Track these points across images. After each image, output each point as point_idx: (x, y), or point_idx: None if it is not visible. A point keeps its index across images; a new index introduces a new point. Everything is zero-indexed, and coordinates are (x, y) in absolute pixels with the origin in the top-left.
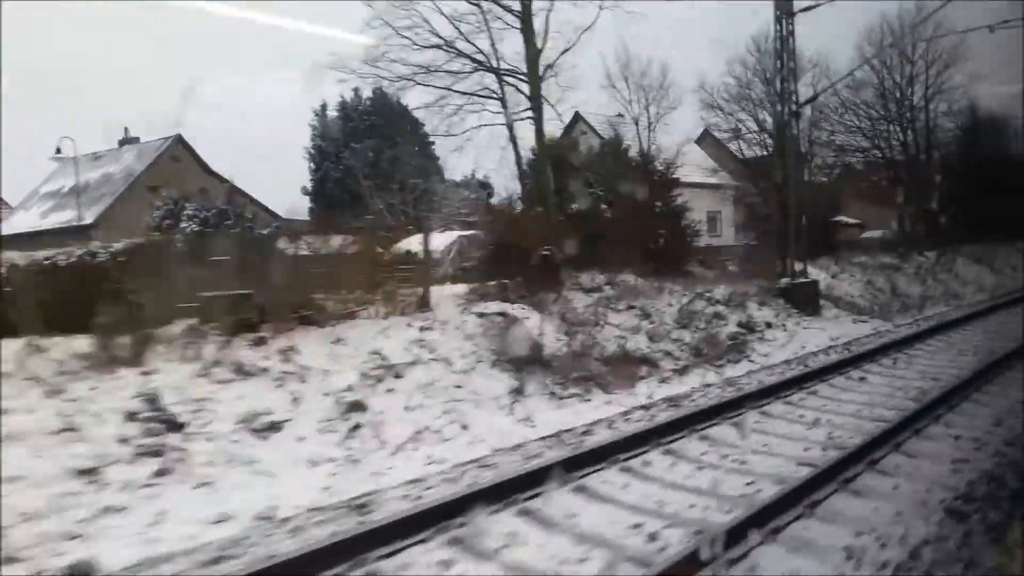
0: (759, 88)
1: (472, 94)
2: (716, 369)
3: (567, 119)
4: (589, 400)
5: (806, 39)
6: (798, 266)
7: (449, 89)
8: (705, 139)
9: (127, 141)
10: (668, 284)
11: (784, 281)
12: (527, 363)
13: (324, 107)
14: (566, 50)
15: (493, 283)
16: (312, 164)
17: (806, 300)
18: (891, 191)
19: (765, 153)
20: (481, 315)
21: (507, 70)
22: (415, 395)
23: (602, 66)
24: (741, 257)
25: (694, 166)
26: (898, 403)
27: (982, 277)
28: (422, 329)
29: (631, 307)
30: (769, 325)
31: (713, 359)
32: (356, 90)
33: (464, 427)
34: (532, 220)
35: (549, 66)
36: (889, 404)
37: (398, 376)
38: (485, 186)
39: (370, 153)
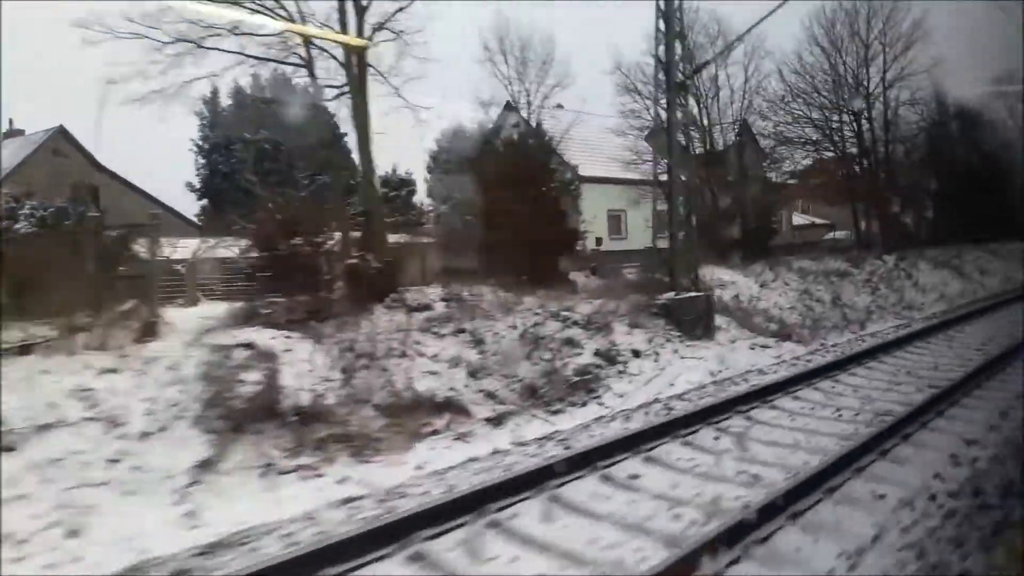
0: (686, 68)
1: (273, 60)
2: (550, 415)
3: (416, 97)
4: (320, 475)
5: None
6: (723, 273)
7: (243, 55)
8: (656, 134)
9: (12, 133)
10: (532, 299)
11: (666, 296)
12: (253, 419)
13: (215, 93)
14: (402, 8)
15: (262, 302)
16: (201, 157)
17: (696, 319)
18: (846, 188)
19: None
20: (217, 348)
21: (321, 35)
22: (23, 479)
23: (478, 37)
24: (643, 264)
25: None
26: (642, 548)
27: (945, 283)
28: (103, 371)
29: (461, 331)
30: (637, 354)
31: (553, 400)
32: (255, 75)
33: (74, 532)
34: (320, 221)
35: (380, 27)
36: (611, 556)
37: (8, 449)
38: (407, 182)
39: (265, 145)
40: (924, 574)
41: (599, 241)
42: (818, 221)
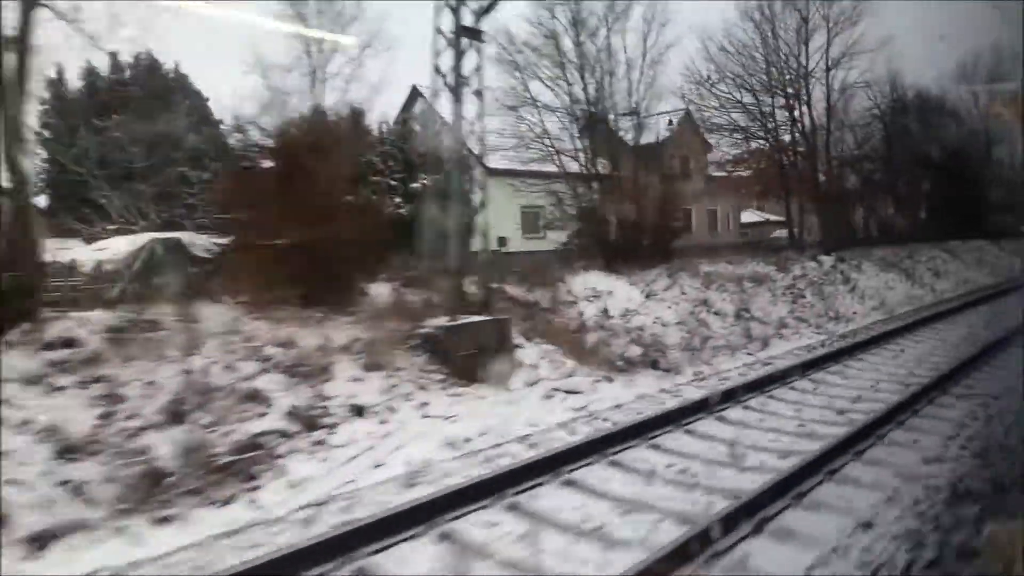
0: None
1: None
2: (151, 527)
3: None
4: None
5: None
6: (601, 281)
7: None
8: (595, 122)
9: None
10: (263, 323)
11: (434, 323)
12: None
13: (61, 74)
14: None
15: None
16: (40, 147)
17: (475, 355)
18: (778, 181)
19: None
20: None
21: None
22: None
23: None
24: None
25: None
26: None
27: (890, 288)
28: None
29: (97, 380)
30: (359, 411)
31: (178, 497)
32: (113, 55)
33: None
34: None
35: None
36: None
37: None
38: None
39: (117, 133)
40: None
41: (503, 241)
42: (772, 218)
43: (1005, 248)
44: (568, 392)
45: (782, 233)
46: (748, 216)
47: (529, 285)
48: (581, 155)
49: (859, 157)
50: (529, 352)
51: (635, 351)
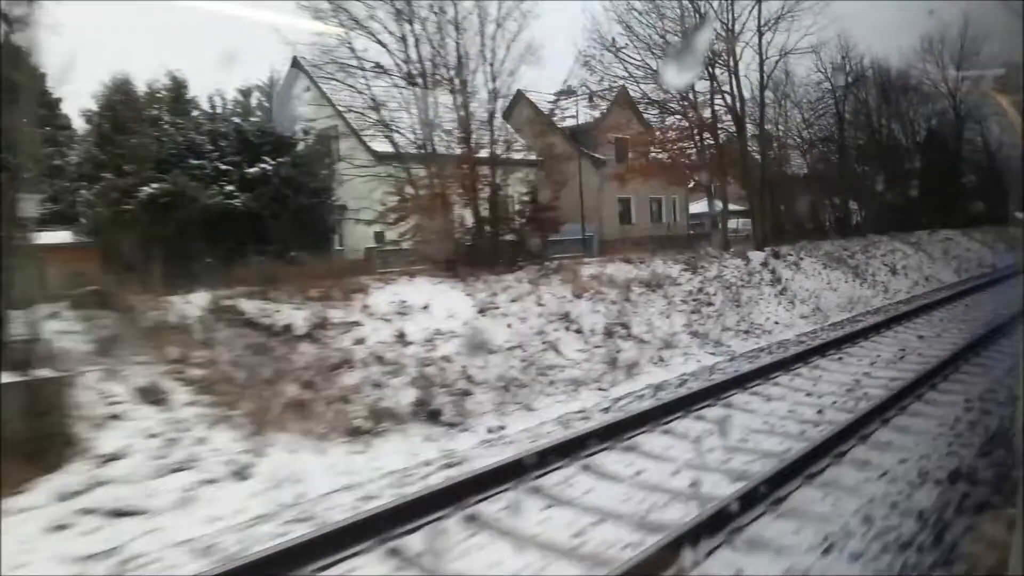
0: None
1: None
2: None
3: None
4: None
5: None
6: (423, 290)
7: None
8: (520, 101)
9: None
10: None
11: None
12: None
13: None
14: None
15: None
16: None
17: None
18: (696, 164)
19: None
20: None
21: None
22: None
23: None
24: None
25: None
26: None
27: (833, 288)
28: None
29: None
30: None
31: None
32: None
33: None
34: None
35: None
36: None
37: None
38: None
39: None
40: None
41: (380, 237)
42: (733, 207)
43: (975, 238)
44: (117, 514)
45: (736, 223)
46: (703, 206)
47: (305, 297)
48: (417, 129)
49: (808, 138)
50: (131, 426)
51: (407, 397)
